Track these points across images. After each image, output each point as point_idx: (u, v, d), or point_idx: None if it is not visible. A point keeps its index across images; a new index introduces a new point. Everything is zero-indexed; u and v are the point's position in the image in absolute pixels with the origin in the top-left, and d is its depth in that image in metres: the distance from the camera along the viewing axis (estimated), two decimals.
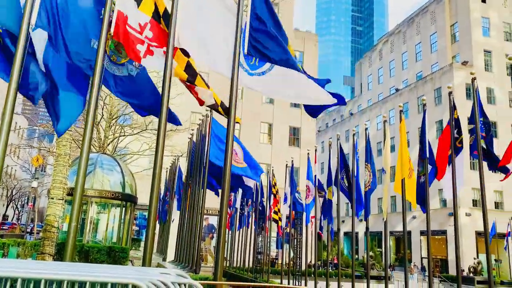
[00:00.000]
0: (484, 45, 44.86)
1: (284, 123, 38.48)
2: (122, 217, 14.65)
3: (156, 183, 4.35)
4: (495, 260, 38.24)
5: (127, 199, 14.32)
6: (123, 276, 2.96)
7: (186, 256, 12.56)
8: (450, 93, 9.78)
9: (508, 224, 35.70)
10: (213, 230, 32.32)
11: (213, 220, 31.78)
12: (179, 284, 3.09)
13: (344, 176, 14.01)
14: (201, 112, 20.47)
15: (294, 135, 38.81)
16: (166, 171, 23.62)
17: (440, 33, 49.70)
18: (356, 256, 46.86)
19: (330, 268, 29.80)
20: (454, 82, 41.06)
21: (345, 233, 52.89)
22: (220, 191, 12.17)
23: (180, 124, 6.03)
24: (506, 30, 46.52)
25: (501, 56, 43.97)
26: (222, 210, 4.50)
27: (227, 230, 25.91)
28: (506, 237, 35.81)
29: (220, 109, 5.71)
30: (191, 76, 5.26)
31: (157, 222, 24.91)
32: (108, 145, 22.87)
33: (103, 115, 22.21)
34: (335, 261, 28.79)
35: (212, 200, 14.52)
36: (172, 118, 5.68)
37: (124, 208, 14.60)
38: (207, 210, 22.47)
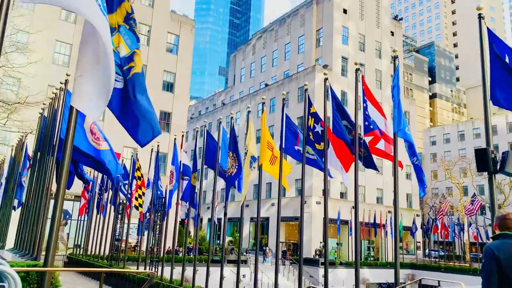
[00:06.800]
0: (342, 52, 50.03)
1: (154, 107, 37.32)
2: None
3: None
4: (337, 243, 43.34)
5: None
6: None
7: (28, 242, 11.29)
8: (305, 90, 10.67)
9: (350, 212, 40.85)
10: (67, 216, 29.83)
11: (68, 205, 29.31)
12: None
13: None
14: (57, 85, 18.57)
15: (165, 120, 37.94)
16: (12, 149, 20.91)
17: (307, 36, 53.77)
18: (218, 242, 48.28)
19: (191, 254, 30.10)
20: (315, 82, 44.97)
21: (209, 219, 54.04)
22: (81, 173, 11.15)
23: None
24: (360, 41, 52.58)
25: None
26: (59, 192, 4.12)
27: (80, 216, 24.17)
28: (349, 223, 40.94)
29: None
30: None
31: None
32: None
33: None
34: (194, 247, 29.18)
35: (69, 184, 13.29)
36: None
37: None
38: None
